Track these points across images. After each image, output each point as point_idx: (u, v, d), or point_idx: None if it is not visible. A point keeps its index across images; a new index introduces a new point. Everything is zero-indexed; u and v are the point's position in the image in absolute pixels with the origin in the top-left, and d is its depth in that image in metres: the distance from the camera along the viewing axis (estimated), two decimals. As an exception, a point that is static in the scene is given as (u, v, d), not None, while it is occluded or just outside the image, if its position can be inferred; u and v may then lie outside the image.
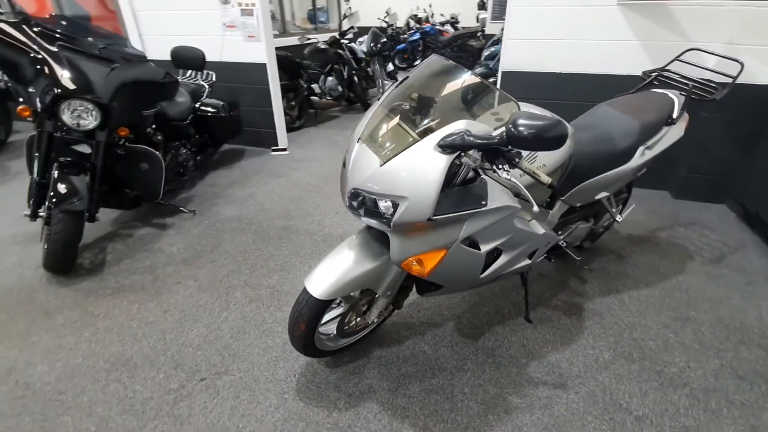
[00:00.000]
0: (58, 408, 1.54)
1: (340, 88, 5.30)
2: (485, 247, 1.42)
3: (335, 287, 1.36)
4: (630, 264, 2.33)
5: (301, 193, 3.33)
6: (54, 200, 2.11)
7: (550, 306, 2.02)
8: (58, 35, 2.17)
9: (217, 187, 3.44)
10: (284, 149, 4.25)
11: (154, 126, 3.00)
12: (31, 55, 2.07)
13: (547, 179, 1.23)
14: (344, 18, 5.62)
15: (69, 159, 2.29)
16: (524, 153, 1.40)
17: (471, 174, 1.30)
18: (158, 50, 4.07)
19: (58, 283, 2.24)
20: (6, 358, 1.76)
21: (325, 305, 1.42)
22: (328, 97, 5.16)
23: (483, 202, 1.28)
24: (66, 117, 2.16)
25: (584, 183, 1.73)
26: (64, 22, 2.25)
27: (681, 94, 1.99)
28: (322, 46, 5.18)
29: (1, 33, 2.05)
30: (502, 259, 1.55)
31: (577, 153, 1.69)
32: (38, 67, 2.08)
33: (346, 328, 1.62)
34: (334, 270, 1.38)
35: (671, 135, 1.91)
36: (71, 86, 2.11)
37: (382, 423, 1.47)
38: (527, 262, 1.68)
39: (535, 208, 1.28)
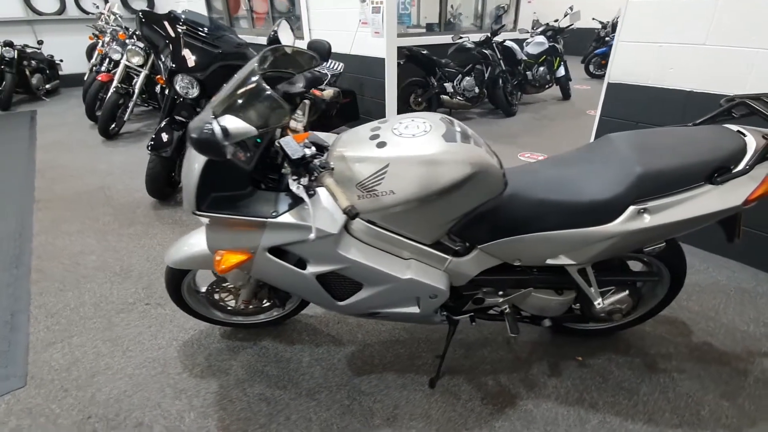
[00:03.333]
0: (73, 285, 2.13)
1: (476, 90, 4.95)
2: (313, 269, 1.22)
3: (180, 259, 1.42)
4: (655, 383, 1.51)
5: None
6: (152, 144, 2.81)
7: (476, 381, 1.53)
8: (185, 27, 2.82)
9: (307, 163, 3.82)
10: (388, 141, 4.32)
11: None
12: (165, 38, 2.76)
13: (344, 203, 0.98)
14: (499, 15, 5.13)
15: (177, 117, 2.98)
16: (365, 174, 1.10)
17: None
18: (315, 42, 4.69)
19: (153, 206, 2.99)
20: (86, 244, 2.51)
21: (179, 272, 1.49)
22: (460, 98, 4.89)
23: (273, 213, 1.10)
24: (177, 87, 2.81)
25: (517, 237, 1.23)
26: (192, 18, 2.89)
27: (764, 136, 1.13)
28: (468, 45, 4.90)
29: (155, 23, 2.81)
30: (363, 294, 1.30)
31: (514, 195, 1.21)
32: (167, 46, 2.76)
33: (220, 303, 1.65)
34: (188, 244, 1.44)
35: (712, 199, 1.12)
36: (181, 64, 2.73)
37: (204, 403, 1.47)
38: (414, 309, 1.34)
39: (311, 236, 1.04)
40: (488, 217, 1.22)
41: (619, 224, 1.16)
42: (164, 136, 2.85)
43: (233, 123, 1.01)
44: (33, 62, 6.67)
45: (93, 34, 6.18)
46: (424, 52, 4.75)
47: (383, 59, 4.02)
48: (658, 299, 1.54)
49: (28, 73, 6.53)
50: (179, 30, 2.80)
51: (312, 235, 1.05)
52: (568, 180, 1.23)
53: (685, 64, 2.09)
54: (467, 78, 4.91)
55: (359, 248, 1.20)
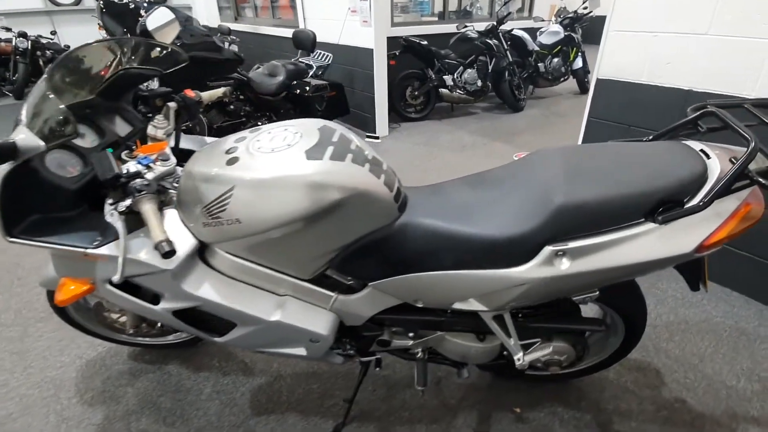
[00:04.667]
0: (6, 288, 2.03)
1: (479, 83, 4.60)
2: (167, 305, 1.03)
3: (47, 279, 1.26)
4: (606, 449, 1.24)
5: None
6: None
7: (387, 431, 1.32)
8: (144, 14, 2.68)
9: (286, 160, 3.65)
10: (377, 137, 4.08)
11: (241, 97, 3.40)
12: (123, 28, 2.64)
13: (158, 236, 0.78)
14: (506, 2, 4.71)
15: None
16: (210, 197, 0.90)
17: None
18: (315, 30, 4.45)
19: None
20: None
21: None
22: (460, 91, 4.55)
23: (95, 242, 0.92)
24: (137, 79, 2.68)
25: (412, 275, 1.00)
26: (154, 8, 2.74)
27: (732, 160, 0.84)
28: (470, 35, 4.55)
29: (116, 12, 2.68)
30: (238, 332, 1.10)
31: (408, 224, 0.98)
32: (124, 35, 2.63)
33: (114, 324, 1.49)
34: (60, 263, 1.28)
35: (651, 243, 0.84)
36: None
37: (81, 436, 1.33)
38: (300, 351, 1.14)
39: (116, 278, 0.84)
40: (376, 250, 0.99)
41: (531, 269, 0.90)
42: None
43: (22, 136, 0.83)
44: (47, 52, 6.79)
45: (99, 24, 6.21)
46: (424, 42, 4.44)
47: (371, 50, 3.77)
48: (613, 348, 1.27)
49: (41, 63, 6.66)
50: (139, 20, 2.67)
51: (116, 277, 0.86)
52: (476, 207, 0.98)
53: (684, 57, 1.75)
54: (469, 70, 4.57)
55: (215, 284, 1.00)
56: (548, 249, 0.88)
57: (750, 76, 1.59)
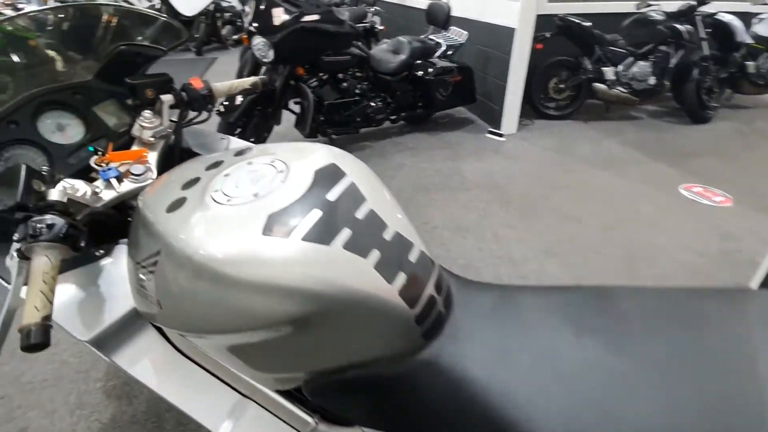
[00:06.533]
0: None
1: (651, 80, 3.47)
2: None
3: None
4: None
5: (428, 184, 2.70)
6: (225, 105, 2.65)
7: None
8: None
9: (394, 145, 3.30)
10: (501, 135, 3.42)
11: (358, 74, 3.10)
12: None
13: (28, 316, 0.51)
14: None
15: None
16: (144, 252, 0.57)
17: None
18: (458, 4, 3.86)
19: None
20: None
21: None
22: (622, 89, 3.49)
23: None
24: (254, 49, 2.58)
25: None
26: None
27: None
28: (654, 17, 3.40)
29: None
30: None
31: (437, 366, 0.53)
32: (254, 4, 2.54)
33: None
34: None
35: None
36: (262, 24, 2.48)
37: None
38: None
39: None
40: (374, 388, 0.57)
41: None
42: (237, 98, 2.69)
43: None
44: (225, 15, 7.60)
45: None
46: (586, 24, 3.50)
47: (513, 29, 3.07)
48: None
49: (219, 24, 7.49)
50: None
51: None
52: (565, 369, 0.47)
53: None
54: (641, 63, 3.48)
55: (156, 362, 0.70)
56: None
57: None
